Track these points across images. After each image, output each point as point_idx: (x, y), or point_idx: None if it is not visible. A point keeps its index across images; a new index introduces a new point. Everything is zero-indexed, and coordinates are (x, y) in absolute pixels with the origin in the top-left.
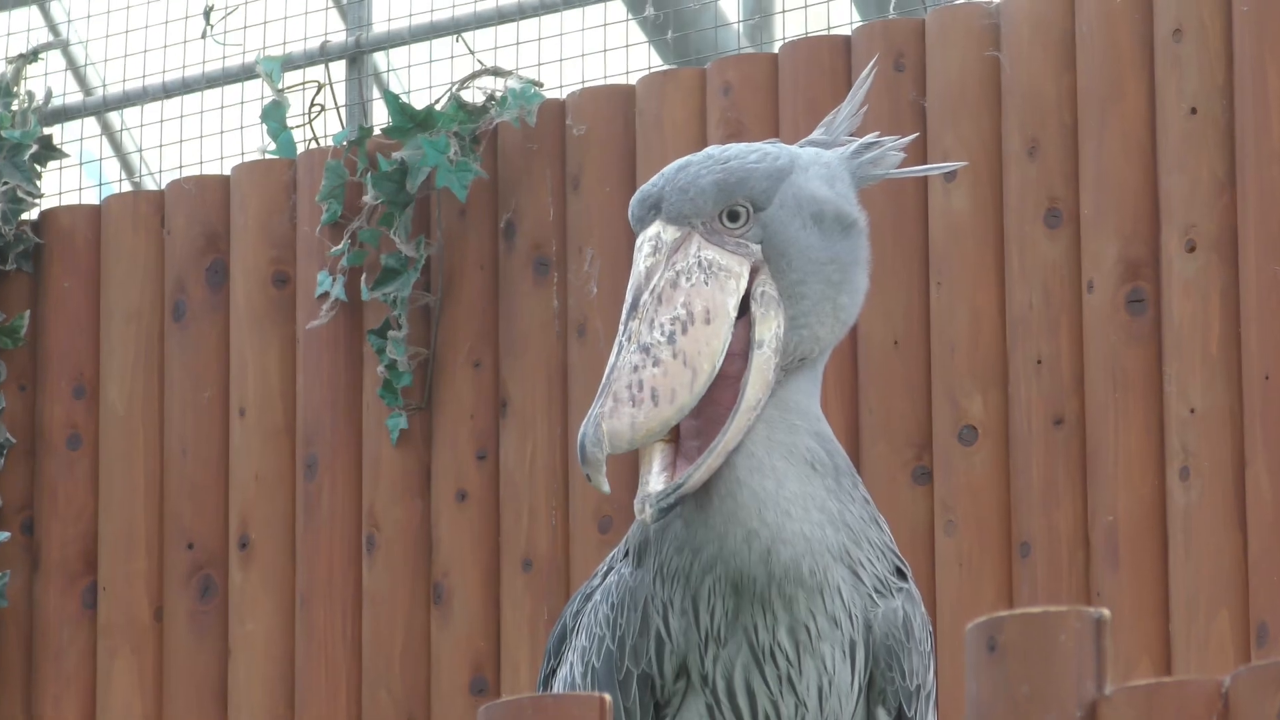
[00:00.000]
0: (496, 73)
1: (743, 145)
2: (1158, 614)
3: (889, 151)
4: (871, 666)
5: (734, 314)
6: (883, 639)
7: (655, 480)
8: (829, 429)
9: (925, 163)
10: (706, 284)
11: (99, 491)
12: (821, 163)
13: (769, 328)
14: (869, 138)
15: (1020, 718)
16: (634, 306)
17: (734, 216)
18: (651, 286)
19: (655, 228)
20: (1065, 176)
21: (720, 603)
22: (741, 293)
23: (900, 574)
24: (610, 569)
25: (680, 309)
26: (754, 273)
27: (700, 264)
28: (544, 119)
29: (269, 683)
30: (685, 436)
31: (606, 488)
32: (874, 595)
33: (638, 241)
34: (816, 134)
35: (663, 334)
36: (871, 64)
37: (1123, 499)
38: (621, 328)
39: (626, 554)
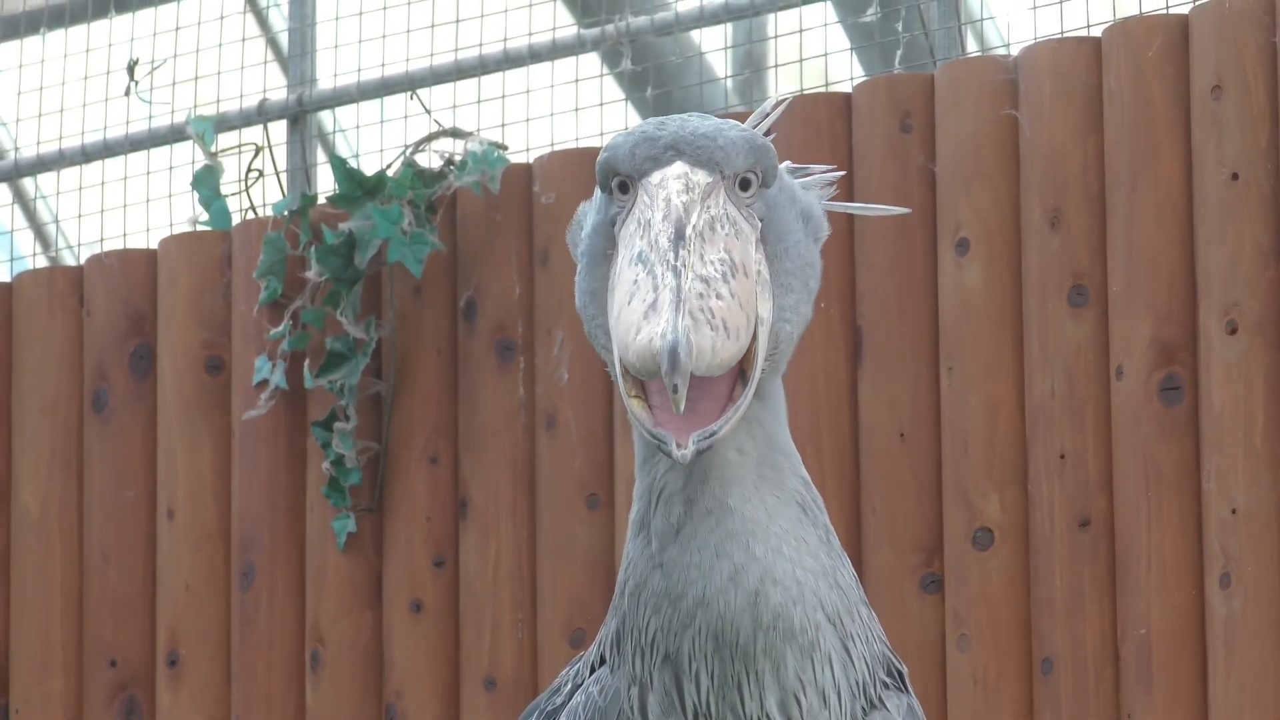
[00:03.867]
0: (455, 134)
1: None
2: None
3: (818, 180)
4: None
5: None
6: None
7: (659, 427)
8: (808, 476)
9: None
10: (737, 239)
11: (10, 603)
12: None
13: (766, 307)
14: (788, 163)
15: None
16: (679, 235)
17: (745, 185)
18: (692, 223)
19: (681, 167)
20: (1091, 249)
21: (704, 666)
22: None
23: (897, 677)
24: (575, 686)
25: (724, 253)
26: None
27: (728, 217)
28: (508, 185)
29: None
30: (653, 392)
31: (683, 406)
32: (863, 689)
33: (658, 177)
34: None
35: (717, 271)
36: (782, 101)
37: (1156, 609)
38: (670, 253)
39: (600, 662)
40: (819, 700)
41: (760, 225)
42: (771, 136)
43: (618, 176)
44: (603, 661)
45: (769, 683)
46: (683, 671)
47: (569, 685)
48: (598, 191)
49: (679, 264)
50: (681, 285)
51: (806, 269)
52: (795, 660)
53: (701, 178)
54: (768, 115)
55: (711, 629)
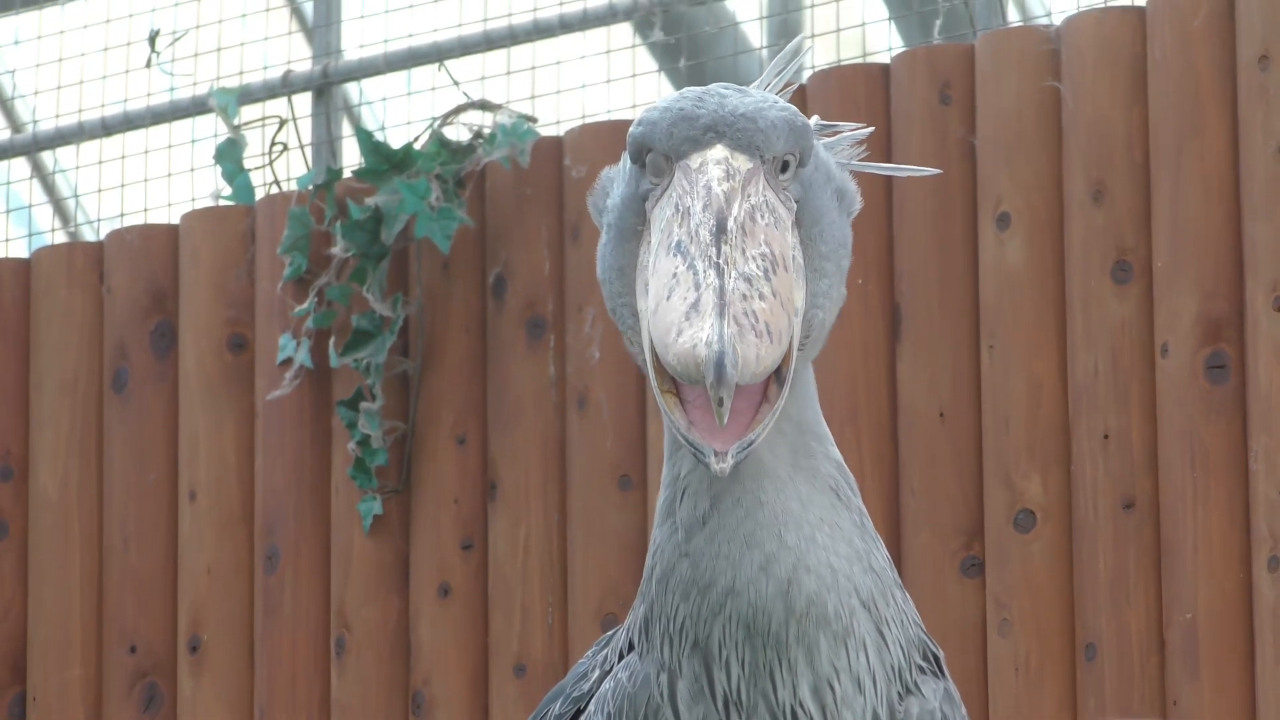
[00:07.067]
0: (484, 106)
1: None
2: None
3: (846, 138)
4: None
5: None
6: None
7: (694, 432)
8: (842, 458)
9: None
10: (776, 228)
11: (28, 587)
12: None
13: (800, 295)
14: (816, 119)
15: None
16: (721, 229)
17: (784, 167)
18: (734, 215)
19: (722, 151)
20: (1136, 224)
21: (734, 653)
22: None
23: (933, 661)
24: (604, 673)
25: (765, 247)
26: None
27: (768, 205)
28: (538, 159)
29: None
30: (687, 388)
31: (726, 419)
32: (898, 673)
33: (696, 161)
34: None
35: (759, 269)
36: (798, 40)
37: (1203, 593)
38: (712, 248)
39: (629, 648)
40: (853, 686)
41: (795, 207)
42: (792, 89)
43: (652, 153)
44: (631, 647)
45: (802, 670)
46: (712, 659)
47: (597, 672)
48: (626, 160)
49: (721, 261)
50: (725, 286)
51: (839, 250)
52: (829, 647)
53: (742, 163)
54: (780, 71)
55: (742, 617)
